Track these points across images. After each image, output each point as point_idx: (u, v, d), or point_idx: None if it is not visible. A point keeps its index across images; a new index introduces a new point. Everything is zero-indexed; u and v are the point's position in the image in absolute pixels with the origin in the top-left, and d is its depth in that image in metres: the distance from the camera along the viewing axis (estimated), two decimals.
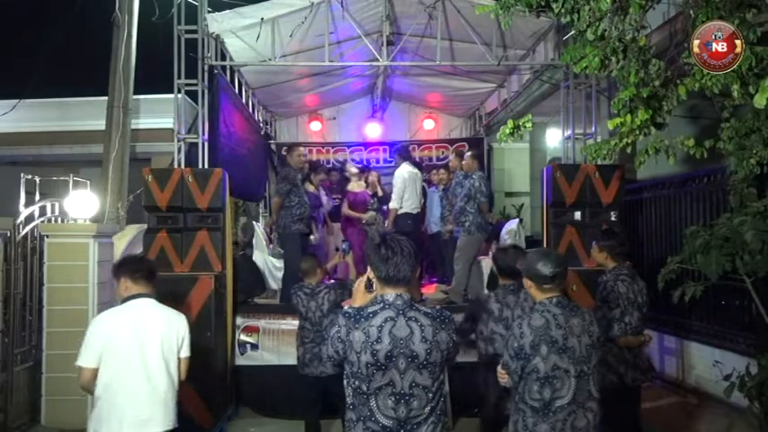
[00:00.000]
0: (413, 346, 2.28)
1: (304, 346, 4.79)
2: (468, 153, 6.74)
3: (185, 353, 3.31)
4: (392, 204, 6.89)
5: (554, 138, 10.29)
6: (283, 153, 10.17)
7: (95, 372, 3.07)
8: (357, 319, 2.33)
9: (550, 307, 2.73)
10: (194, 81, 5.95)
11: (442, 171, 7.94)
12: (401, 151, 7.40)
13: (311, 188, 7.19)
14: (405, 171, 6.94)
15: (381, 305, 2.35)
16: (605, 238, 4.32)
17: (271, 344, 5.93)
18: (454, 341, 2.37)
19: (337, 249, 7.54)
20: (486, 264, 6.95)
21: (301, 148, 7.08)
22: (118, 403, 3.06)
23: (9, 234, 5.34)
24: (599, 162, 5.14)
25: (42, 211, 5.89)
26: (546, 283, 2.75)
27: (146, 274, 3.30)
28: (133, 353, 3.11)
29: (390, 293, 2.36)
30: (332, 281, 6.15)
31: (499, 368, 2.83)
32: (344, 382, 2.39)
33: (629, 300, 3.97)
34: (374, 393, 2.28)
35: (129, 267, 3.29)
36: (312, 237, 7.00)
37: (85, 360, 3.07)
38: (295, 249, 6.27)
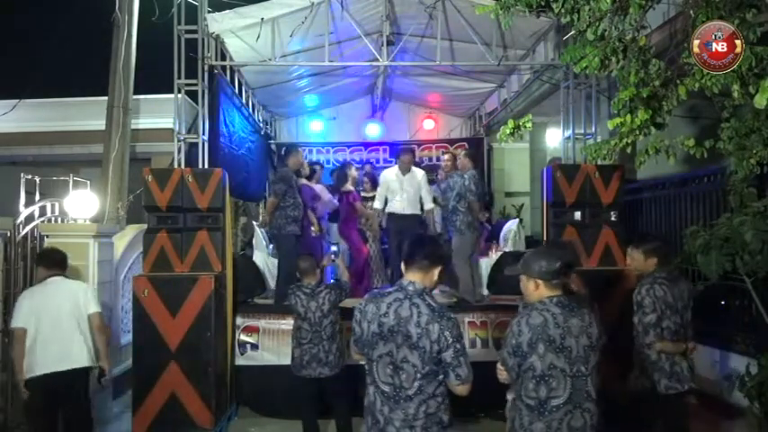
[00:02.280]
0: (409, 327, 2.62)
1: (301, 348, 4.73)
2: (462, 153, 6.74)
3: (92, 309, 4.41)
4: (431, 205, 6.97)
5: (554, 138, 10.28)
6: (284, 153, 10.24)
7: (25, 331, 4.18)
8: (375, 295, 2.79)
9: (550, 306, 2.72)
10: (194, 81, 5.95)
11: (440, 171, 7.98)
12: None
13: (302, 181, 7.15)
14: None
15: (397, 288, 2.75)
16: (638, 241, 4.04)
17: (271, 344, 5.93)
18: (448, 338, 2.59)
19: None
20: (487, 263, 6.95)
21: (300, 151, 7.11)
22: (38, 349, 4.18)
23: (9, 234, 5.34)
24: (599, 162, 5.14)
25: (42, 211, 5.89)
26: (554, 279, 2.76)
27: (57, 262, 4.48)
28: (51, 313, 4.24)
29: (407, 280, 2.74)
30: (331, 281, 6.15)
31: (498, 364, 2.85)
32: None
33: (666, 303, 3.74)
34: (376, 361, 2.68)
35: (44, 258, 4.54)
36: (313, 228, 7.01)
37: (16, 323, 4.22)
38: (290, 250, 6.25)
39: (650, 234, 4.25)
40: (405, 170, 6.91)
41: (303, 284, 4.82)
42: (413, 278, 2.72)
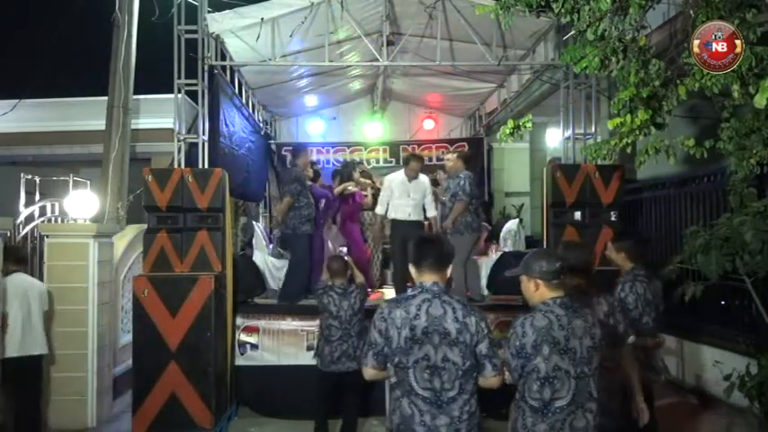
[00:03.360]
0: (446, 324, 2.60)
1: (331, 345, 4.90)
2: (454, 155, 6.69)
3: (46, 307, 5.12)
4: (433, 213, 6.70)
5: (554, 138, 10.28)
6: (284, 153, 10.24)
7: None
8: (398, 300, 2.73)
9: (554, 307, 2.72)
10: (194, 81, 5.95)
11: (440, 172, 7.94)
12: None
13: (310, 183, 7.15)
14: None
15: (420, 290, 2.69)
16: (622, 238, 4.27)
17: (271, 344, 5.93)
18: (484, 329, 2.63)
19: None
20: (487, 263, 6.95)
21: (309, 151, 7.13)
22: (16, 335, 4.78)
23: (9, 234, 5.35)
24: (599, 162, 5.14)
25: (42, 211, 5.90)
26: (555, 279, 2.76)
27: (22, 258, 5.18)
28: (21, 304, 4.84)
29: (428, 281, 2.70)
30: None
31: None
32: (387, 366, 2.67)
33: (646, 300, 3.93)
34: (412, 367, 2.59)
35: (13, 254, 4.93)
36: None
37: None
38: (304, 250, 6.29)
39: (639, 234, 4.41)
40: (412, 177, 6.63)
41: (335, 285, 5.00)
42: (432, 278, 2.70)
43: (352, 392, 5.00)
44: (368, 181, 7.85)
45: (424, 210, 6.67)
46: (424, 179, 6.74)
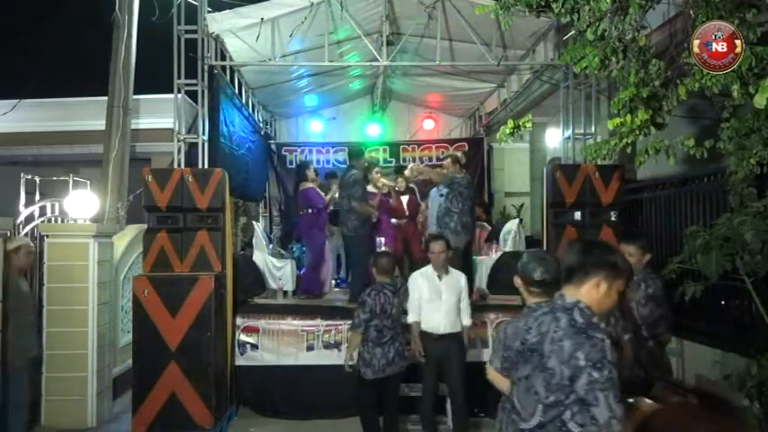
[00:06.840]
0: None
1: (383, 347, 4.61)
2: (448, 159, 6.63)
3: None
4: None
5: (554, 138, 10.28)
6: (284, 153, 10.28)
7: None
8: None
9: (535, 311, 2.72)
10: (194, 81, 5.95)
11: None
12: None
13: (309, 185, 7.13)
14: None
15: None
16: (633, 237, 4.19)
17: (271, 344, 5.93)
18: None
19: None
20: (487, 263, 6.95)
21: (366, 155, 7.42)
22: None
23: (9, 234, 5.34)
24: (599, 162, 5.14)
25: (42, 211, 5.89)
26: (533, 287, 2.73)
27: None
28: None
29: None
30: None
31: (487, 365, 2.84)
32: None
33: (654, 298, 3.96)
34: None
35: None
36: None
37: None
38: (368, 249, 6.47)
39: (638, 230, 4.41)
40: (441, 268, 4.91)
41: (387, 282, 4.80)
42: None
43: (396, 390, 4.84)
44: (389, 183, 7.81)
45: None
46: (458, 274, 5.02)
